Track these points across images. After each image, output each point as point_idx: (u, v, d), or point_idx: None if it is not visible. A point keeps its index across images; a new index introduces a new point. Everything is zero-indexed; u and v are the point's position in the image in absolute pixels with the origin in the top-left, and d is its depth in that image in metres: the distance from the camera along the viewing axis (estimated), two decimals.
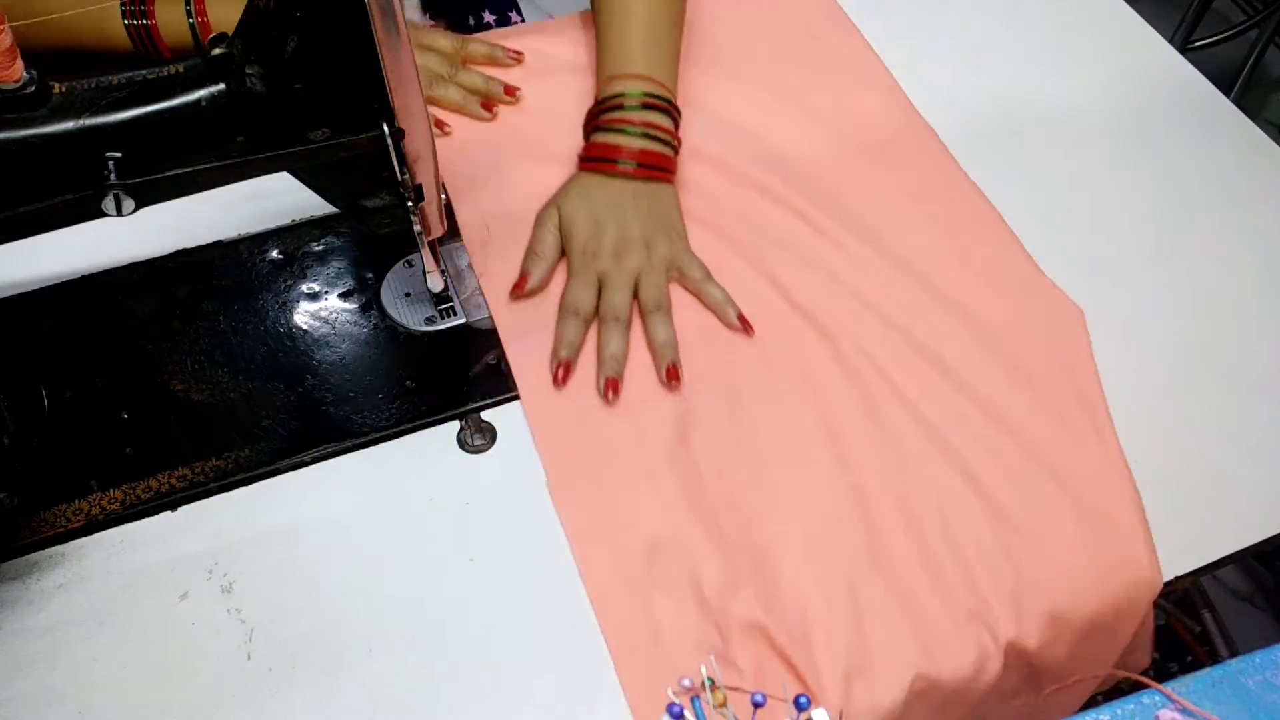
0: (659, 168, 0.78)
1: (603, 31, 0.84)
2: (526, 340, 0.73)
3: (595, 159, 0.79)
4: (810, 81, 0.91)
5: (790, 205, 0.82)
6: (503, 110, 0.87)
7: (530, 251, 0.77)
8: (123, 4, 0.78)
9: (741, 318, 0.74)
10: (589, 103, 0.84)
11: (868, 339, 0.74)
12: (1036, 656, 0.63)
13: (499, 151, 0.85)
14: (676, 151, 0.81)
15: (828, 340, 0.74)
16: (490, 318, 0.75)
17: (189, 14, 0.78)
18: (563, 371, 0.71)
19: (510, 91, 0.86)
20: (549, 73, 0.90)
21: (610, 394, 0.70)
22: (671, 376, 0.71)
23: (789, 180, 0.84)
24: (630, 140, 0.78)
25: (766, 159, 0.85)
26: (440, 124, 0.84)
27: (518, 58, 0.89)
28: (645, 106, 0.78)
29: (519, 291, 0.75)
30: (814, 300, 0.76)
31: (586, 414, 0.70)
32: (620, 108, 0.79)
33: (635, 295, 0.75)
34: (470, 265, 0.78)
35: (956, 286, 0.78)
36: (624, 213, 0.76)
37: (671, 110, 0.80)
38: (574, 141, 0.83)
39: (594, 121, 0.81)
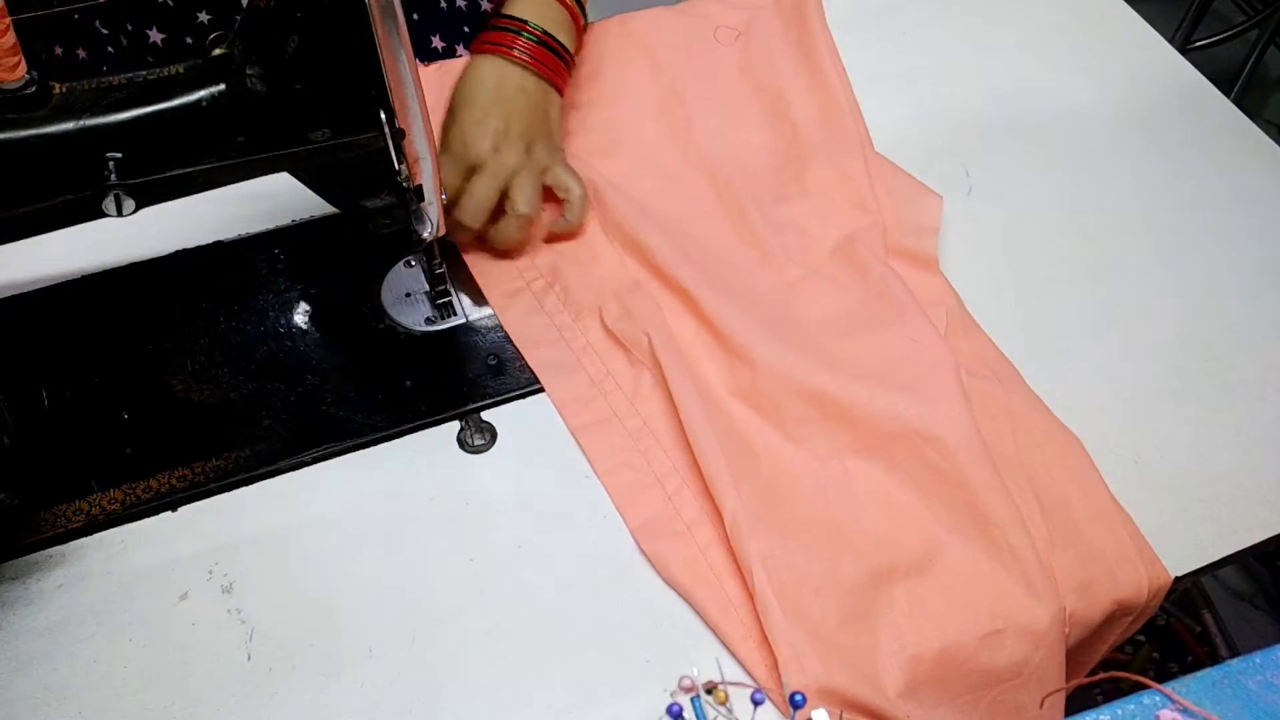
0: (552, 69, 0.80)
1: None
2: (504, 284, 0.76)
3: (490, 42, 0.79)
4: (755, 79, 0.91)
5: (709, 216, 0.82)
6: None
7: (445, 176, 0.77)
8: None
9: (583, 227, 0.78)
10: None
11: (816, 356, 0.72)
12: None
13: None
14: (571, 65, 0.82)
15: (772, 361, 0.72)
16: (478, 320, 0.76)
17: None
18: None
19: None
20: None
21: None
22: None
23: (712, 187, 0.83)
24: (528, 39, 0.79)
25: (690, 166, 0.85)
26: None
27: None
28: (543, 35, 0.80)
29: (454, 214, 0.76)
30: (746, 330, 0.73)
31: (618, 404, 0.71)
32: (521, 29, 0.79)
33: (503, 195, 0.76)
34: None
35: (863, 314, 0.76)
36: (509, 106, 0.77)
37: (575, 18, 0.81)
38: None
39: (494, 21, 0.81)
